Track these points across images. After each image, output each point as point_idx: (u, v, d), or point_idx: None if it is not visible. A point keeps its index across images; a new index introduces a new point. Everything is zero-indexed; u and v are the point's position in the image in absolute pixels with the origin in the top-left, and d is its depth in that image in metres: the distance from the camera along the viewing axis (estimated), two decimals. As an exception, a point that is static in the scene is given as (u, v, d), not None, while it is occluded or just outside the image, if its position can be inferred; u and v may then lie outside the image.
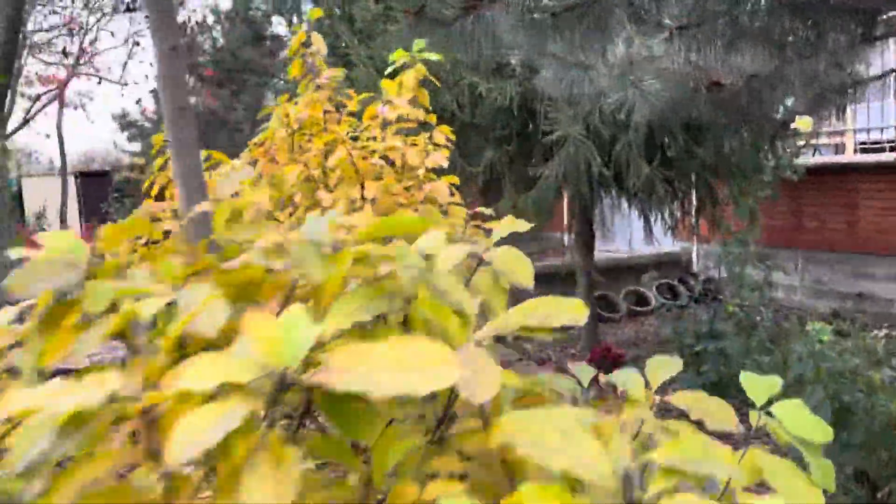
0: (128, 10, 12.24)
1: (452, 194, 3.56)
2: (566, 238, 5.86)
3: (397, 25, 3.59)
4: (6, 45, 5.00)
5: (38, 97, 14.85)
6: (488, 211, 3.66)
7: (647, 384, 1.16)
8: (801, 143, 4.66)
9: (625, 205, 5.60)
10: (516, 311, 0.86)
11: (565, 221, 5.88)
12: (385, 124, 3.15)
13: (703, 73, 2.48)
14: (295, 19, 13.60)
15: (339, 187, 2.92)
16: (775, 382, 1.11)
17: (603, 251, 10.75)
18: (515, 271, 1.20)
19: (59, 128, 17.42)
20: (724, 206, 4.85)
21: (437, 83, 5.64)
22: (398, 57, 3.44)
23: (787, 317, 6.81)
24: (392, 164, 3.16)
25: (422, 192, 2.88)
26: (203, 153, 3.26)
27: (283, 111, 3.31)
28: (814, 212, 7.01)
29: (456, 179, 3.12)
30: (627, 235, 8.38)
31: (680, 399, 1.10)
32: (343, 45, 5.52)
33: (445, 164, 3.03)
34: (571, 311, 0.87)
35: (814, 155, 6.95)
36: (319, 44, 3.53)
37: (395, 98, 3.23)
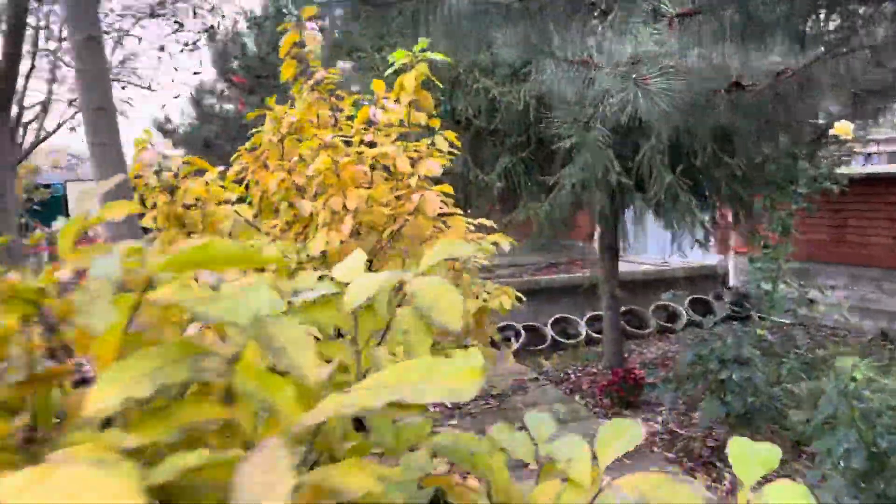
0: (152, 15, 12.35)
1: (456, 205, 3.33)
2: (591, 248, 5.57)
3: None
4: (10, 57, 4.96)
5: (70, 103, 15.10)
6: (488, 223, 3.44)
7: (595, 458, 0.92)
8: (845, 150, 4.32)
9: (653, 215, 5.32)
10: (373, 382, 0.63)
11: (593, 231, 5.59)
12: (372, 126, 2.95)
13: (721, 72, 2.21)
14: (327, 23, 13.55)
15: (320, 196, 2.73)
16: (772, 456, 0.86)
17: (634, 262, 10.39)
18: (441, 308, 0.97)
19: None
20: (758, 218, 4.53)
21: (451, 87, 5.46)
22: (399, 58, 3.24)
23: (828, 338, 6.39)
24: (389, 171, 2.96)
25: (412, 202, 2.67)
26: (184, 159, 3.12)
27: (277, 114, 3.14)
28: (860, 225, 6.58)
29: (449, 189, 2.90)
30: (661, 246, 8.03)
31: (634, 483, 0.85)
32: (356, 49, 5.36)
33: (438, 172, 2.82)
34: (454, 381, 0.64)
35: (864, 164, 6.51)
36: (313, 43, 3.36)
37: (389, 101, 3.04)
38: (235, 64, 16.93)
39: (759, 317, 3.70)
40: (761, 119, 2.52)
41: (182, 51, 14.33)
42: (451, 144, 3.55)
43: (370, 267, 2.96)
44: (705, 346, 3.52)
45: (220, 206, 2.85)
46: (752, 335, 3.45)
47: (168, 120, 16.91)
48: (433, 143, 3.51)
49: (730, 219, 5.06)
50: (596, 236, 5.26)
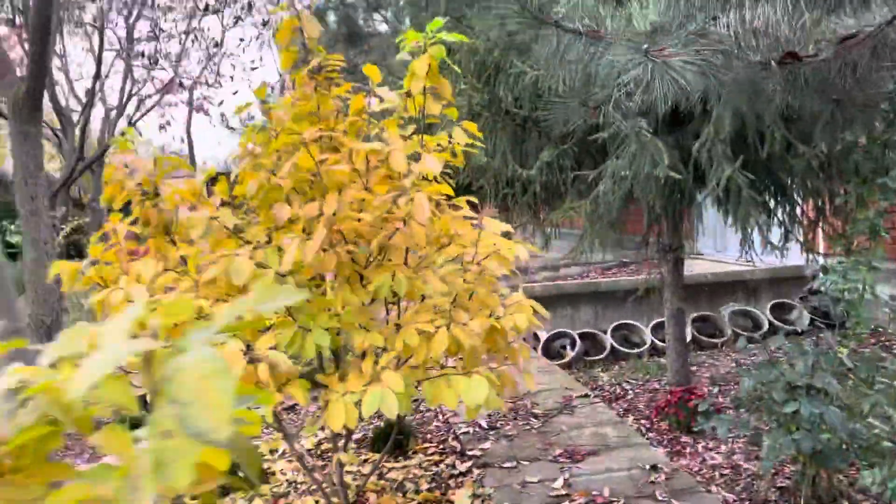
0: (206, 10, 12.51)
1: (497, 206, 2.98)
2: (651, 247, 5.08)
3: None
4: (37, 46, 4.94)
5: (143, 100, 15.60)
6: (507, 227, 3.07)
7: None
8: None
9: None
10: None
11: (649, 231, 5.10)
12: (363, 117, 2.64)
13: (773, 40, 1.78)
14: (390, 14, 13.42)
15: (302, 198, 2.45)
16: None
17: (714, 261, 9.70)
18: (204, 405, 0.66)
19: (188, 132, 18.49)
20: (843, 216, 3.95)
21: (494, 72, 5.08)
22: (410, 39, 2.91)
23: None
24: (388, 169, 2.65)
25: (399, 207, 2.35)
26: (167, 158, 2.90)
27: (279, 105, 2.89)
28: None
29: (449, 190, 2.56)
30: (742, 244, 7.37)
31: None
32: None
33: (437, 170, 2.48)
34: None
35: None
36: (313, 29, 3.07)
37: (383, 91, 2.72)
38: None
39: (840, 337, 3.17)
40: (829, 98, 2.07)
41: (240, 46, 14.57)
42: (471, 135, 3.23)
43: (361, 280, 2.66)
44: (770, 369, 3.04)
45: (193, 211, 2.62)
46: (831, 357, 2.94)
47: (251, 117, 17.25)
48: (451, 136, 3.20)
49: (813, 216, 4.48)
50: (649, 235, 4.77)
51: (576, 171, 4.45)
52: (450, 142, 3.18)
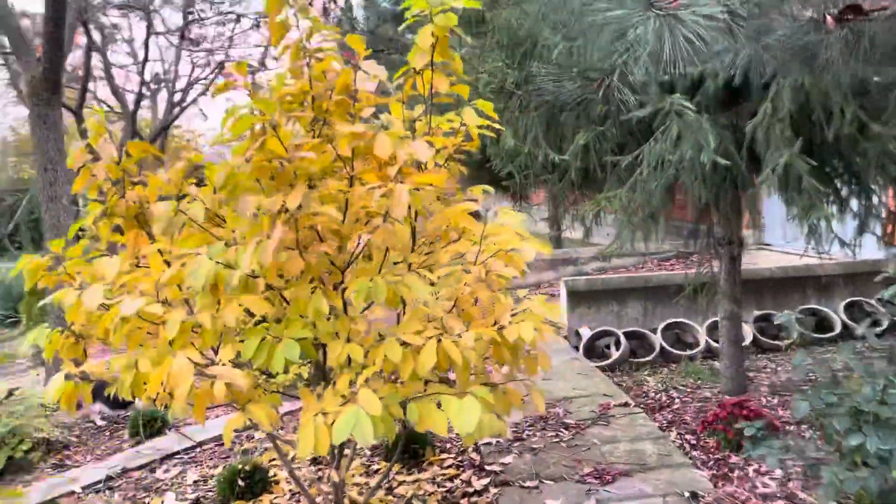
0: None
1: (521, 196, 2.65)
2: (705, 239, 4.63)
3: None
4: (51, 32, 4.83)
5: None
6: (518, 217, 2.75)
7: None
8: None
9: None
10: None
11: (698, 222, 4.65)
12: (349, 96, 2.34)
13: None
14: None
15: (267, 191, 2.17)
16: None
17: (783, 252, 9.07)
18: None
19: None
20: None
21: (531, 47, 4.70)
22: (415, 7, 2.59)
23: None
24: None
25: (372, 199, 2.04)
26: (137, 145, 2.67)
27: (277, 85, 2.63)
28: None
29: (437, 179, 2.23)
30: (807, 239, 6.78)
31: None
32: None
33: (425, 158, 2.16)
34: None
35: None
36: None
37: (370, 64, 2.41)
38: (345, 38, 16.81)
39: (918, 353, 2.72)
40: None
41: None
42: (484, 115, 2.91)
43: (339, 287, 2.37)
44: (831, 390, 2.62)
45: (158, 203, 2.39)
46: (903, 380, 2.50)
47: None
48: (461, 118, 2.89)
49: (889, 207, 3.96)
50: (698, 227, 4.33)
51: (616, 156, 4.05)
52: (462, 124, 2.87)
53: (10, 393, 4.70)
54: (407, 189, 2.14)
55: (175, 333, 2.10)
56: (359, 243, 2.29)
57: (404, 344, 2.17)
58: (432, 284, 2.48)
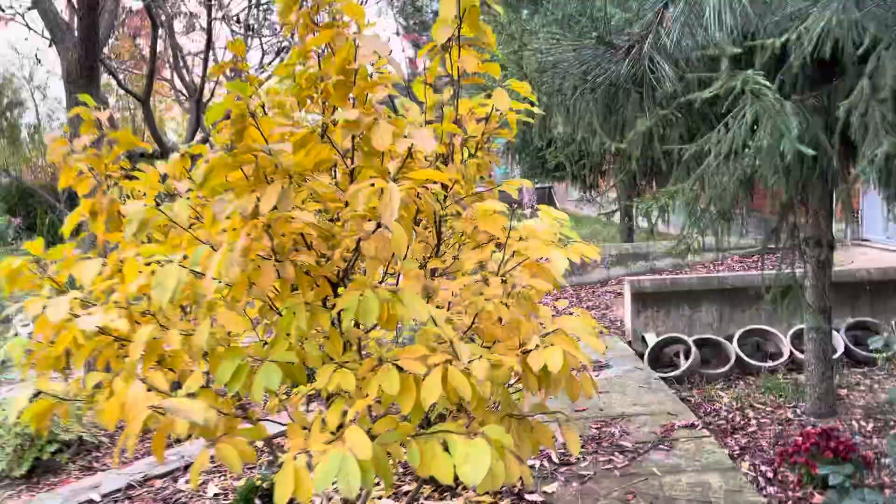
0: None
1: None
2: (782, 237, 4.11)
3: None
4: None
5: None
6: (560, 216, 2.42)
7: None
8: None
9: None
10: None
11: (780, 219, 4.13)
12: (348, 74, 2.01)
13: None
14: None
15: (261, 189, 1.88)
16: None
17: (881, 248, 8.33)
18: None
19: None
20: None
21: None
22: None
23: None
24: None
25: (357, 202, 1.71)
26: (119, 134, 2.45)
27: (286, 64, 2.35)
28: None
29: (439, 175, 1.90)
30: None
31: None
32: None
33: (429, 149, 1.83)
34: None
35: None
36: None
37: (368, 37, 2.07)
38: (411, 22, 16.69)
39: None
40: None
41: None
42: (523, 100, 2.57)
43: (325, 304, 2.07)
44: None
45: (130, 202, 2.14)
46: None
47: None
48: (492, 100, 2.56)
49: None
50: (783, 224, 3.83)
51: (685, 144, 3.60)
52: (495, 110, 2.53)
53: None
54: (409, 187, 1.82)
55: (138, 355, 1.85)
56: (358, 251, 1.98)
57: (405, 371, 1.85)
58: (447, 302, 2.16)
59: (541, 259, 2.11)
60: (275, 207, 1.72)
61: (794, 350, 5.29)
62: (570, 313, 2.32)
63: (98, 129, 2.42)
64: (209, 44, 14.57)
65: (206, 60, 14.97)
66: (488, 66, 2.45)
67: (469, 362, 1.88)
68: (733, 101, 2.71)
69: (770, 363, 5.24)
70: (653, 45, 2.32)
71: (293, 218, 1.74)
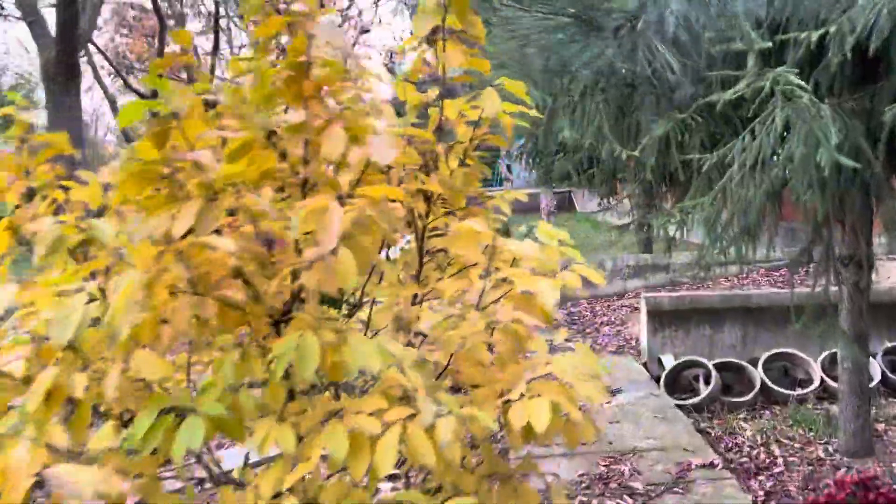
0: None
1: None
2: (823, 261, 3.75)
3: None
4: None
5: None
6: (559, 235, 2.11)
7: None
8: None
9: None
10: None
11: (814, 237, 3.76)
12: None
13: None
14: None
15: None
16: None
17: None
18: None
19: None
20: None
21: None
22: (417, -43, 1.97)
23: None
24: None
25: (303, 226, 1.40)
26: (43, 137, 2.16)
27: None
28: None
29: (395, 192, 1.58)
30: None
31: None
32: None
33: (386, 160, 1.52)
34: None
35: None
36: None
37: (325, 31, 1.76)
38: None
39: None
40: None
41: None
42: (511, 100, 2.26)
43: (264, 353, 1.76)
44: None
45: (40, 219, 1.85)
46: None
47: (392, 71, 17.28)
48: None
49: None
50: (818, 237, 3.47)
51: (707, 152, 3.26)
52: (485, 112, 2.22)
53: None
54: (359, 207, 1.51)
55: (36, 405, 1.55)
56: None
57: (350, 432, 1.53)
58: (418, 336, 1.87)
59: (527, 291, 1.79)
60: (191, 230, 1.41)
61: (825, 377, 4.90)
62: (571, 348, 2.00)
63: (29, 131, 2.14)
64: (216, 44, 14.43)
65: (212, 65, 14.79)
66: (475, 62, 2.14)
67: (436, 418, 1.56)
68: (760, 103, 2.37)
69: (799, 391, 4.85)
70: (648, 27, 2.00)
71: (211, 245, 1.43)
